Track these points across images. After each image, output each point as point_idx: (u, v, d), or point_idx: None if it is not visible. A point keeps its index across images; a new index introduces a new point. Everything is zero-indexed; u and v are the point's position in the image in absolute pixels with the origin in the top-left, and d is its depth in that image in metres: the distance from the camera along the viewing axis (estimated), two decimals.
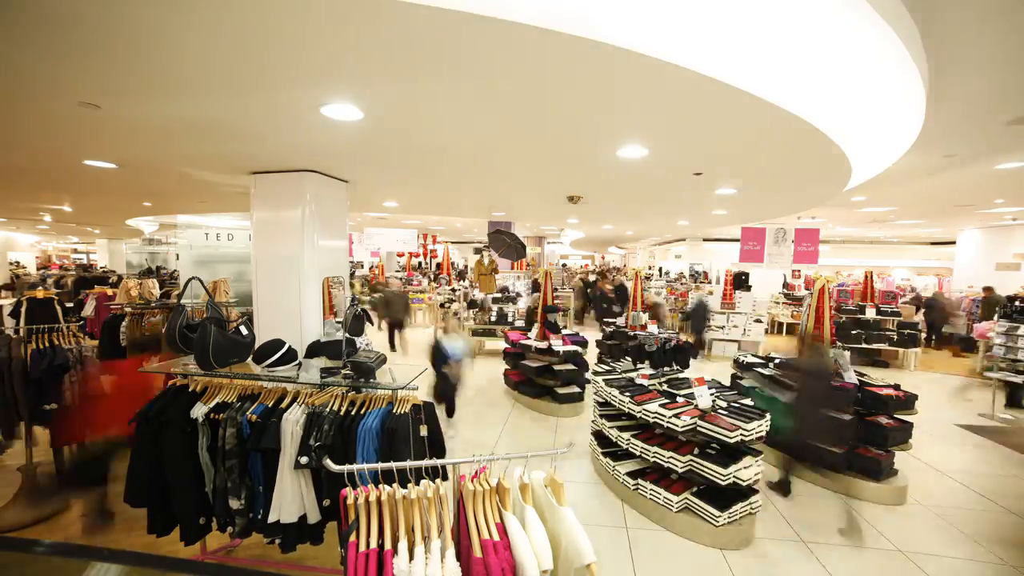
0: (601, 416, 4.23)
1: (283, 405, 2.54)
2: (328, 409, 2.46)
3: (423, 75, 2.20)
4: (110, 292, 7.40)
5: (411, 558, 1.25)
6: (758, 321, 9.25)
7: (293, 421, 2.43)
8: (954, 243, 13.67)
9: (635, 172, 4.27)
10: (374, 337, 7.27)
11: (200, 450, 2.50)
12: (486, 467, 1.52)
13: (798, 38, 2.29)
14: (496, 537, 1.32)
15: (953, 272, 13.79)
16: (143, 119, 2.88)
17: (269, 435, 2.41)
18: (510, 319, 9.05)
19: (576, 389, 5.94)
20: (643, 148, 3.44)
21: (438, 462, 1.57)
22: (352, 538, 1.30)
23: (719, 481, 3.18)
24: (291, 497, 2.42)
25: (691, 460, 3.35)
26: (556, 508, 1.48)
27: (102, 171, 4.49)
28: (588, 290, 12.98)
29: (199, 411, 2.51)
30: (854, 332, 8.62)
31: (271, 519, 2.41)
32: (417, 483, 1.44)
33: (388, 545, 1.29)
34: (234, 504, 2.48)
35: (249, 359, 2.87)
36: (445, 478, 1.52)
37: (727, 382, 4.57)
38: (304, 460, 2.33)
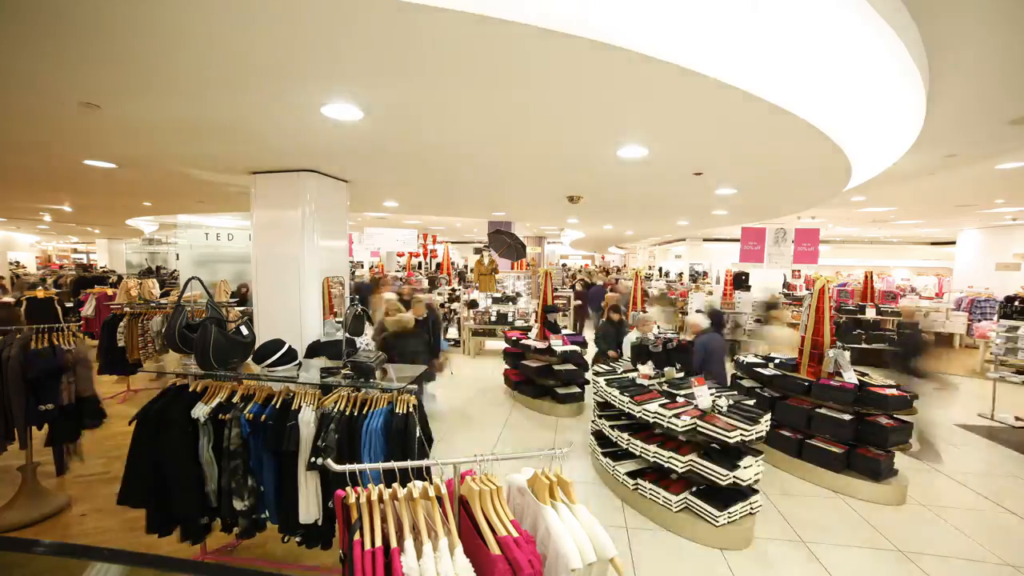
0: (601, 416, 4.23)
1: (293, 405, 2.55)
2: (335, 410, 2.47)
3: (423, 75, 2.20)
4: (110, 292, 7.41)
5: (419, 556, 1.24)
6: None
7: (306, 422, 2.45)
8: (954, 243, 13.66)
9: (635, 172, 4.27)
10: None
11: (202, 450, 2.50)
12: (473, 470, 1.53)
13: (798, 38, 2.29)
14: (515, 533, 1.32)
15: (953, 272, 13.79)
16: (143, 119, 2.88)
17: (283, 436, 2.42)
18: (510, 319, 9.04)
19: (576, 389, 5.94)
20: (643, 148, 3.44)
21: (439, 462, 1.57)
22: (356, 537, 1.30)
23: (719, 481, 3.18)
24: (304, 499, 2.45)
25: (691, 460, 3.34)
26: (566, 506, 1.48)
27: (102, 171, 4.49)
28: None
29: (200, 411, 2.51)
30: (854, 332, 8.63)
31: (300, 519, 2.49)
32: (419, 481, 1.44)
33: (394, 543, 1.29)
34: (238, 505, 2.48)
35: (249, 359, 2.87)
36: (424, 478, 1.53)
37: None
38: (317, 460, 2.35)
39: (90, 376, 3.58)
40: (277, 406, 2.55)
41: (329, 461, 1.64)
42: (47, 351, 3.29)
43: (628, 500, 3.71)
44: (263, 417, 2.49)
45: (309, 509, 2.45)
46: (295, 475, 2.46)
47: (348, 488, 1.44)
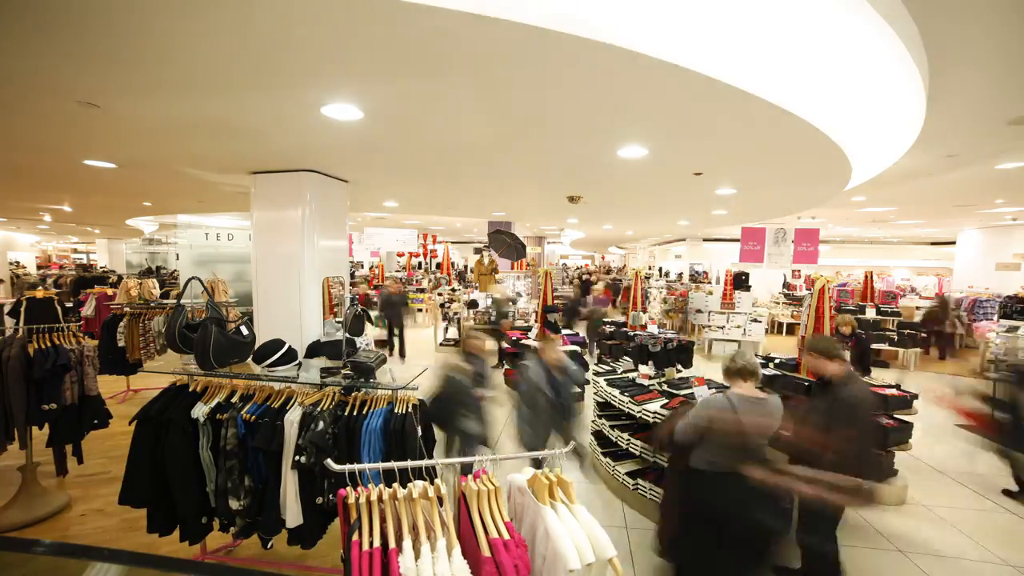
0: (601, 416, 4.23)
1: (287, 405, 2.55)
2: (318, 409, 2.46)
3: (423, 75, 2.20)
4: (110, 292, 7.41)
5: (416, 556, 1.24)
6: (757, 321, 9.26)
7: (291, 422, 2.44)
8: (954, 243, 13.66)
9: (635, 172, 4.27)
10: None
11: (201, 450, 2.51)
12: (484, 468, 1.52)
13: (798, 38, 2.29)
14: (506, 536, 1.32)
15: (953, 272, 13.79)
16: (143, 119, 2.87)
17: (268, 435, 2.42)
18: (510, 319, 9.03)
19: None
20: (643, 148, 3.44)
21: (440, 462, 1.57)
22: (355, 537, 1.29)
23: None
24: (283, 499, 2.45)
25: None
26: (566, 506, 1.48)
27: (102, 171, 4.49)
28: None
29: (200, 411, 2.51)
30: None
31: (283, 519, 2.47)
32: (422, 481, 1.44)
33: (392, 544, 1.29)
34: (234, 504, 2.48)
35: (249, 359, 2.87)
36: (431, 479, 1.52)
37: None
38: (301, 459, 2.34)
39: (95, 376, 3.59)
40: (274, 406, 2.54)
41: (329, 461, 1.63)
42: (51, 350, 3.29)
43: (628, 500, 3.71)
44: (253, 417, 2.49)
45: (288, 510, 2.44)
46: (276, 474, 2.48)
47: (348, 488, 1.44)
